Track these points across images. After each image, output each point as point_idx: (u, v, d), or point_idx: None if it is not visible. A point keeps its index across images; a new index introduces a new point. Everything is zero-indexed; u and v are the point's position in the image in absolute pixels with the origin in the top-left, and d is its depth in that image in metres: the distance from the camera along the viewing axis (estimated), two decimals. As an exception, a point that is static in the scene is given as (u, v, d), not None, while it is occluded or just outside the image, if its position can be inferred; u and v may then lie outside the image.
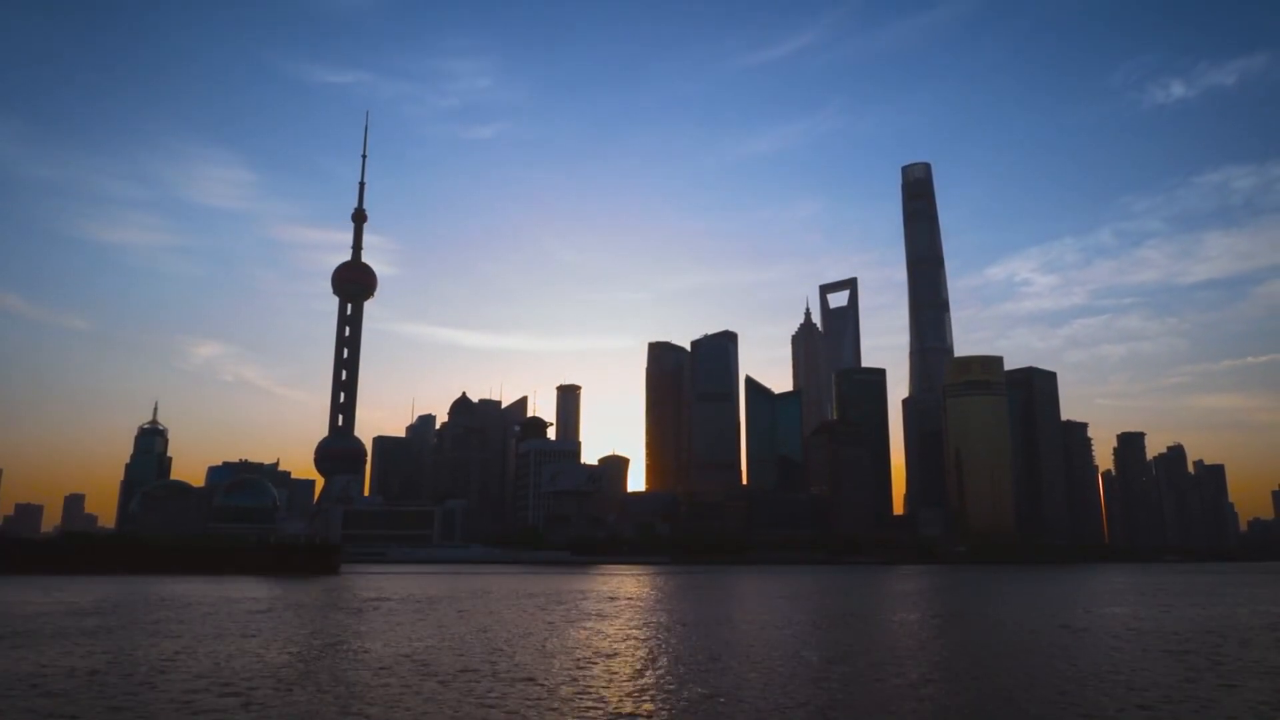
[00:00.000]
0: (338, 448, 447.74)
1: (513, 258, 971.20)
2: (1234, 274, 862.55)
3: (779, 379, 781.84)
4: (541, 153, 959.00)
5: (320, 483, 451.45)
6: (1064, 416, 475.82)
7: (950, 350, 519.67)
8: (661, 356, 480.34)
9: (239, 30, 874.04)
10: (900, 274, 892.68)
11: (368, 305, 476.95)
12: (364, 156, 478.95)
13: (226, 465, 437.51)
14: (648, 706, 27.12)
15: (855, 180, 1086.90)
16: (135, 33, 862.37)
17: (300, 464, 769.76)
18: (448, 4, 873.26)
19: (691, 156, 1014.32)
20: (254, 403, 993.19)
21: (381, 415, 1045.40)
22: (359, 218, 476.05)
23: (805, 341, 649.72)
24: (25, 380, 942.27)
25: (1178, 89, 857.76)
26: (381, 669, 34.54)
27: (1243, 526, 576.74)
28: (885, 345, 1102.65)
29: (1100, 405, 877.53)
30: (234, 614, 59.32)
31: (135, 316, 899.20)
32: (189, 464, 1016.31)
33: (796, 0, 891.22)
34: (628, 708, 26.83)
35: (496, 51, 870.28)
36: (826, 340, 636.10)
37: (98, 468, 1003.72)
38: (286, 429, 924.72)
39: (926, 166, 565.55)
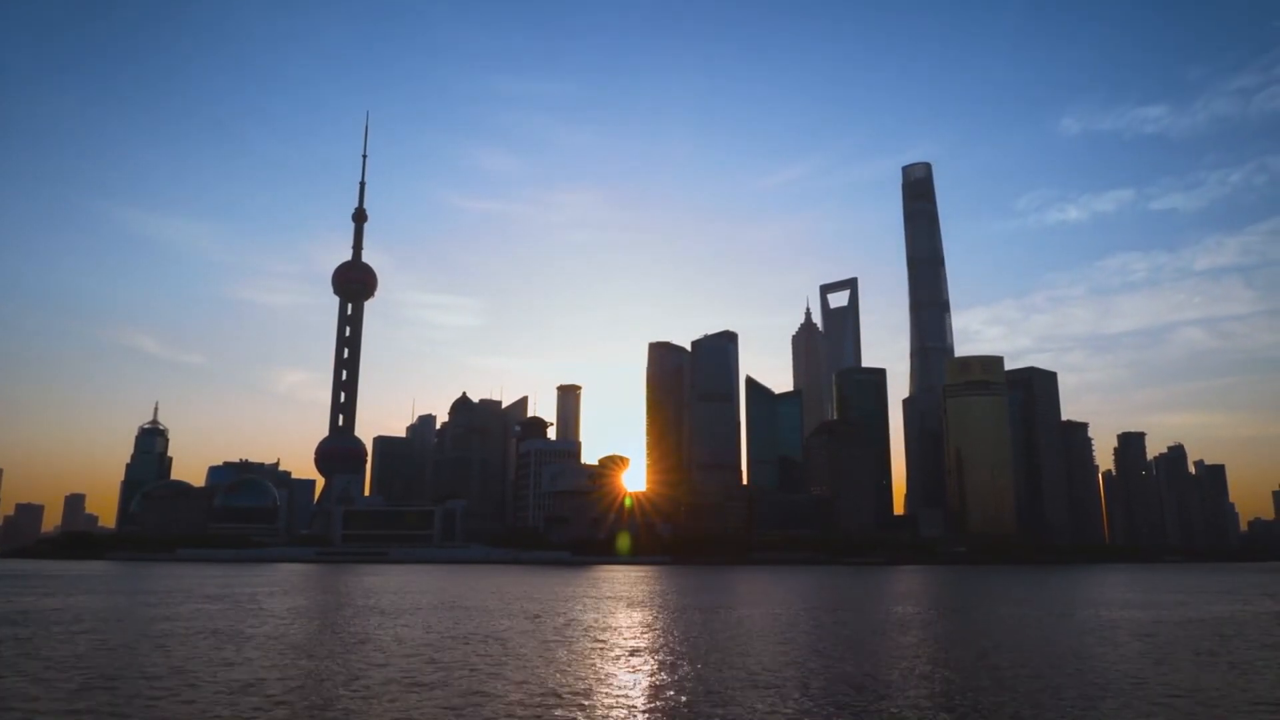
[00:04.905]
0: (338, 448, 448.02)
1: (551, 295, 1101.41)
2: (1150, 326, 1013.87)
3: (779, 379, 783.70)
4: (606, 241, 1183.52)
5: (321, 483, 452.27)
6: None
7: (950, 350, 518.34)
8: (662, 357, 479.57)
9: (412, 171, 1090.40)
10: (900, 274, 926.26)
11: (371, 308, 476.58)
12: (364, 156, 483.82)
13: (227, 465, 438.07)
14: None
15: (855, 180, 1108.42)
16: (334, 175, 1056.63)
17: (301, 464, 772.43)
18: (565, 161, 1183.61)
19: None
20: (255, 403, 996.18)
21: (382, 415, 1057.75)
22: (359, 218, 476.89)
23: (805, 341, 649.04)
24: (26, 381, 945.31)
25: (1072, 212, 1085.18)
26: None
27: (1243, 527, 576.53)
28: (885, 345, 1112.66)
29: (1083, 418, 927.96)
30: None
31: (243, 351, 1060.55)
32: (189, 464, 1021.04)
33: (793, 140, 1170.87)
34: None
35: (596, 189, 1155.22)
36: (827, 340, 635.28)
37: (98, 468, 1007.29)
38: (287, 429, 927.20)
39: (927, 166, 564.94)
